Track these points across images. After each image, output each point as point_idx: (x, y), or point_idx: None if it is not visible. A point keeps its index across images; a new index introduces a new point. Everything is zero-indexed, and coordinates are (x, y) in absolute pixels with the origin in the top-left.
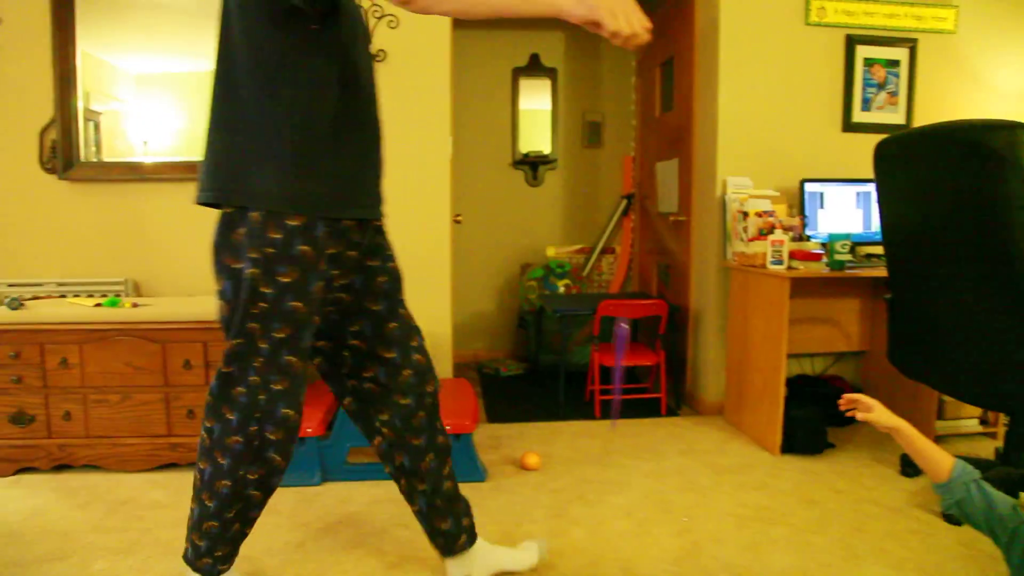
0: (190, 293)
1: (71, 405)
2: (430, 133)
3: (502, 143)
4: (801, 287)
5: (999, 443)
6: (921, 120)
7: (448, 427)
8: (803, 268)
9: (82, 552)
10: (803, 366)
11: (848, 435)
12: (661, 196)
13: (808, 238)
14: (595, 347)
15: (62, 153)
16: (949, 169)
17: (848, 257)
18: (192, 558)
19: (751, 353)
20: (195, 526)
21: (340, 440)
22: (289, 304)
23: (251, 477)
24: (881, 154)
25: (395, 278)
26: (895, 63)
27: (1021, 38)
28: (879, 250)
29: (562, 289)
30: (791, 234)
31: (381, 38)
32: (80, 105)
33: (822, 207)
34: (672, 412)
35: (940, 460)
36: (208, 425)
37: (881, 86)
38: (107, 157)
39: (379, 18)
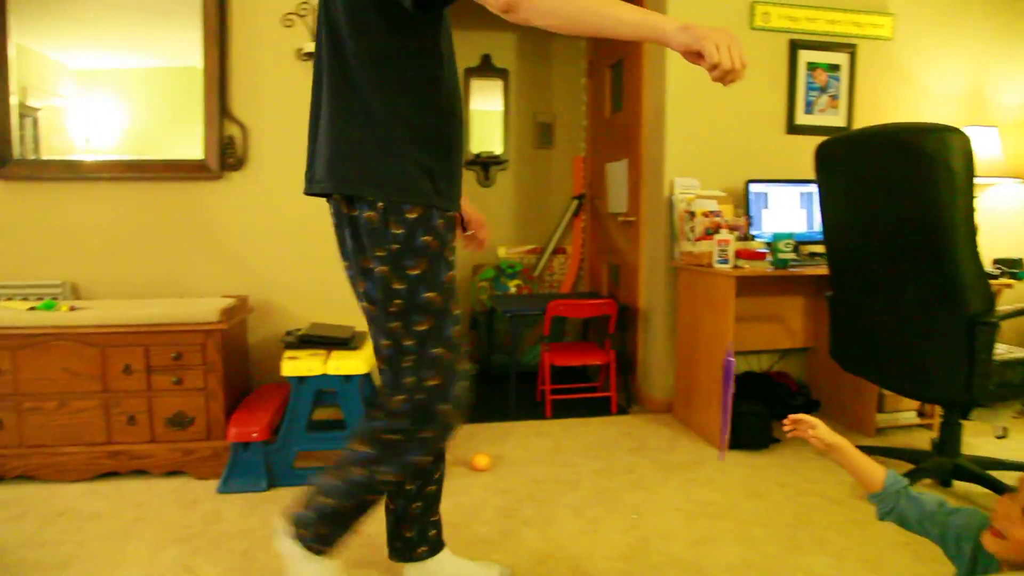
0: (132, 296)
1: (3, 413)
2: None
3: None
4: (747, 286)
5: (935, 434)
6: (861, 122)
7: None
8: (748, 267)
9: (13, 569)
10: (750, 363)
11: None
12: (611, 197)
13: (753, 237)
14: (545, 347)
15: None
16: (885, 170)
17: (792, 256)
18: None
19: (699, 351)
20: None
21: (287, 445)
22: (424, 296)
23: (388, 479)
24: (822, 155)
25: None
26: (836, 67)
27: (953, 44)
28: (822, 249)
29: (513, 289)
30: (737, 234)
31: None
32: (14, 101)
33: (767, 207)
34: (622, 410)
35: (874, 473)
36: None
37: (823, 89)
38: (46, 155)
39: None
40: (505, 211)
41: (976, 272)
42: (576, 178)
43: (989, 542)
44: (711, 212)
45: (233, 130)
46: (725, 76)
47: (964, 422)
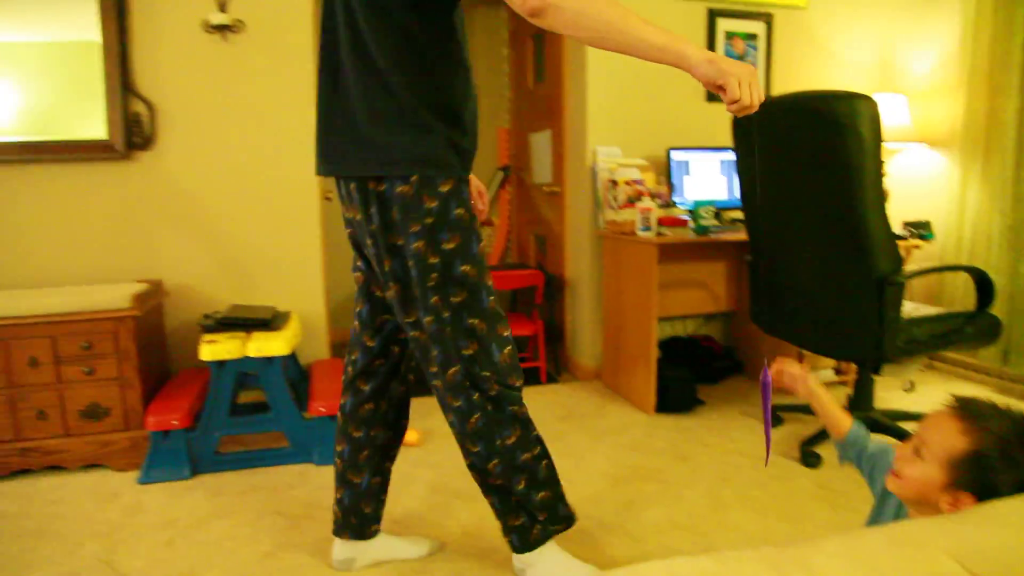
0: (36, 285)
1: None
2: (295, 108)
3: None
4: (670, 252)
5: (851, 390)
6: (778, 90)
7: (322, 409)
8: (671, 234)
9: None
10: (675, 328)
11: (717, 392)
12: (535, 167)
13: (675, 205)
14: None
15: None
16: (798, 137)
17: (713, 222)
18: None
19: (625, 318)
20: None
21: (209, 431)
22: (460, 270)
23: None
24: (738, 123)
25: None
26: (753, 36)
27: (865, 14)
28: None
29: None
30: (659, 201)
31: (238, 7)
32: None
33: (688, 174)
34: (552, 379)
35: (842, 422)
36: (450, 419)
37: (741, 58)
38: None
39: None
40: None
41: (885, 234)
42: (501, 149)
43: (889, 482)
44: (633, 180)
45: (139, 107)
46: (742, 110)
47: (875, 377)
